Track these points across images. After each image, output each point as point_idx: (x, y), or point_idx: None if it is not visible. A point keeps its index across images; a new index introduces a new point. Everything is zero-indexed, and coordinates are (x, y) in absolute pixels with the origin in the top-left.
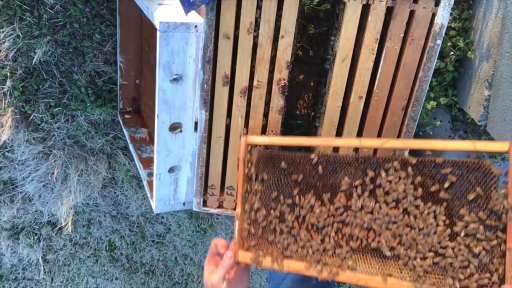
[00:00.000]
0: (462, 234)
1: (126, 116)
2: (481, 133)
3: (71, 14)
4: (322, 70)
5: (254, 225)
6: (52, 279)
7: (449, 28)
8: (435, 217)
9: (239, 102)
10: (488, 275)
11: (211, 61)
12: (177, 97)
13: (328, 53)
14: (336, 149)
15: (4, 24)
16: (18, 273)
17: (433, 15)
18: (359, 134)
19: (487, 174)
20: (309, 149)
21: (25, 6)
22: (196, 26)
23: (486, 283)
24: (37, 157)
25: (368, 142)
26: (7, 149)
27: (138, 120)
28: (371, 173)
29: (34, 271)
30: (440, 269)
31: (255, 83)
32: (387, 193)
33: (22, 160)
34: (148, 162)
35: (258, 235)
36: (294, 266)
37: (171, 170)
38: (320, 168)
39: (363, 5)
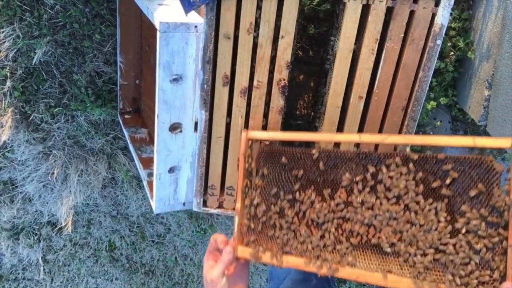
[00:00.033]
0: (464, 230)
1: (126, 116)
2: (481, 133)
3: (71, 14)
4: (322, 70)
5: (253, 220)
6: (52, 279)
7: (449, 28)
8: (436, 213)
9: (239, 102)
10: (489, 272)
11: (211, 61)
12: (177, 97)
13: (328, 53)
14: (337, 144)
15: (4, 24)
16: (18, 273)
17: (433, 15)
18: None
19: (489, 171)
20: (309, 145)
21: (25, 7)
22: (196, 26)
23: (487, 280)
24: (37, 157)
25: (369, 138)
26: (7, 149)
27: (138, 120)
28: (372, 169)
29: (34, 271)
30: (440, 266)
31: (255, 83)
32: (388, 189)
33: (22, 160)
34: (148, 162)
35: (257, 231)
36: (294, 261)
37: (171, 170)
38: (321, 163)
39: (363, 5)
